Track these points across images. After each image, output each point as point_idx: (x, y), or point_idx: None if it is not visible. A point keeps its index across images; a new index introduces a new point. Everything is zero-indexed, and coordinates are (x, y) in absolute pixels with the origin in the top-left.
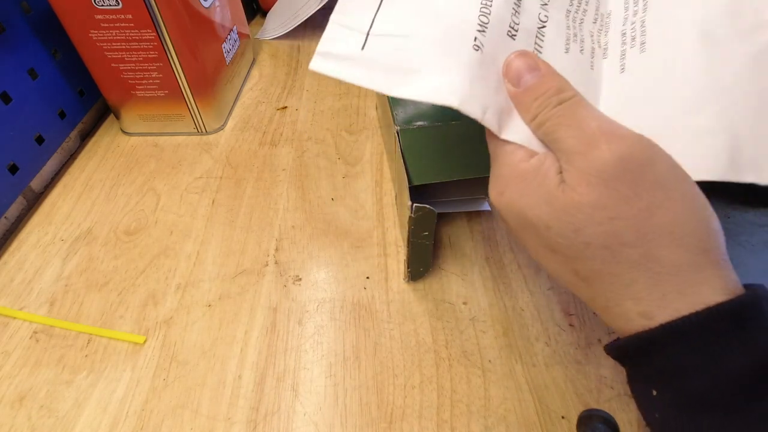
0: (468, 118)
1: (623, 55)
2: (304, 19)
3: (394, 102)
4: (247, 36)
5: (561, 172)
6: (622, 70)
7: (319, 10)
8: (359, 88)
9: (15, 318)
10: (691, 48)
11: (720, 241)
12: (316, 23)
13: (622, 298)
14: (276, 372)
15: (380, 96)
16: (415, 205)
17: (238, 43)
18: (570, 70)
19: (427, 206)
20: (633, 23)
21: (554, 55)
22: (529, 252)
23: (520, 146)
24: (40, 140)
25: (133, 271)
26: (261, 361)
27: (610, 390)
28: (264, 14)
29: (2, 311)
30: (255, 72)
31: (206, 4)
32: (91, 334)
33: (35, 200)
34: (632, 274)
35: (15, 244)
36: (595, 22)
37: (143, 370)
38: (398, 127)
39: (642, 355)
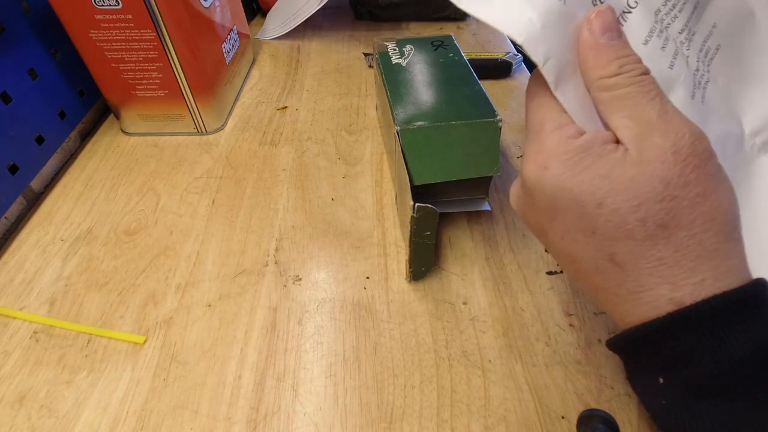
0: (467, 118)
1: (698, 84)
2: (304, 19)
3: (394, 102)
4: (247, 36)
5: (619, 148)
6: (692, 96)
7: (319, 10)
8: (359, 87)
9: (15, 318)
10: None
11: (741, 232)
12: (316, 23)
13: (659, 283)
14: (276, 372)
15: (380, 96)
16: (417, 204)
17: (238, 43)
18: (645, 60)
19: (429, 206)
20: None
21: (632, 41)
22: (549, 239)
23: (569, 123)
24: (40, 140)
25: (133, 271)
26: (261, 361)
27: (610, 390)
28: (264, 14)
29: (2, 311)
30: (255, 72)
31: (206, 4)
32: (91, 334)
33: (35, 200)
34: (677, 256)
35: (15, 244)
36: (681, 32)
37: (143, 370)
38: (398, 127)
39: (653, 342)
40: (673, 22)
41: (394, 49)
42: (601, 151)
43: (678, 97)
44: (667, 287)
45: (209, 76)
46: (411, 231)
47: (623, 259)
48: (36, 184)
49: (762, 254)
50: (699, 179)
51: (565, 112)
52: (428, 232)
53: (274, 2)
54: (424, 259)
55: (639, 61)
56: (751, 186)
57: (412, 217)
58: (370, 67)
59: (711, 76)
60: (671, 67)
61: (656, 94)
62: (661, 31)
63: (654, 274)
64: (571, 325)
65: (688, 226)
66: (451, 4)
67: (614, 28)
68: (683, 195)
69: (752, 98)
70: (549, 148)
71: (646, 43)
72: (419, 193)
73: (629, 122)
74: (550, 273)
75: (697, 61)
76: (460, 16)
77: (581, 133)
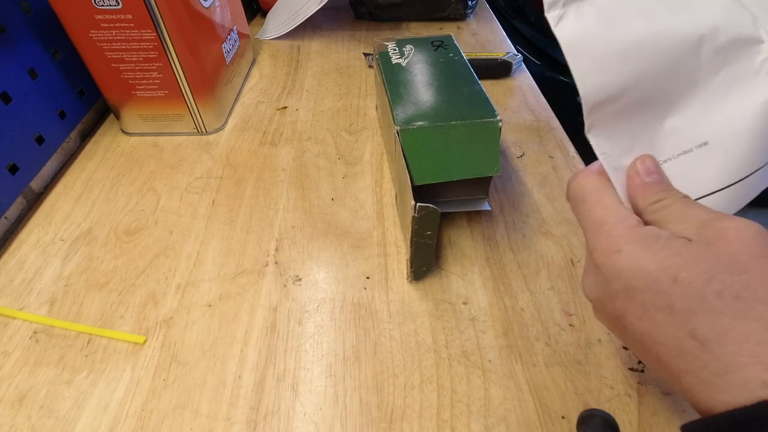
0: (467, 118)
1: None
2: (304, 19)
3: (394, 102)
4: (247, 36)
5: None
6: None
7: (319, 10)
8: (359, 87)
9: (15, 318)
10: None
11: None
12: (316, 23)
13: (748, 363)
14: (276, 372)
15: (380, 96)
16: (418, 204)
17: (238, 43)
18: None
19: (431, 206)
20: None
21: None
22: (627, 324)
23: (632, 215)
24: (40, 140)
25: (133, 271)
26: (261, 361)
27: (610, 390)
28: (264, 14)
29: (2, 311)
30: (255, 72)
31: (206, 4)
32: (91, 334)
33: (35, 200)
34: (765, 334)
35: (15, 244)
36: None
37: (143, 370)
38: (398, 127)
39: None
40: None
41: (394, 49)
42: (670, 236)
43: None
44: (759, 368)
45: (209, 76)
46: (412, 231)
47: (705, 335)
48: (36, 184)
49: (720, 172)
50: None
51: (624, 206)
52: (429, 232)
53: (274, 2)
54: (425, 259)
55: (676, 190)
56: (736, 100)
57: (413, 217)
58: (370, 67)
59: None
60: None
61: (699, 204)
62: None
63: (741, 353)
64: (571, 325)
65: (766, 299)
66: (451, 4)
67: (656, 171)
68: (757, 269)
69: None
70: (619, 234)
71: None
72: (419, 193)
73: (686, 224)
74: (632, 369)
75: None
76: (460, 16)
77: (642, 223)
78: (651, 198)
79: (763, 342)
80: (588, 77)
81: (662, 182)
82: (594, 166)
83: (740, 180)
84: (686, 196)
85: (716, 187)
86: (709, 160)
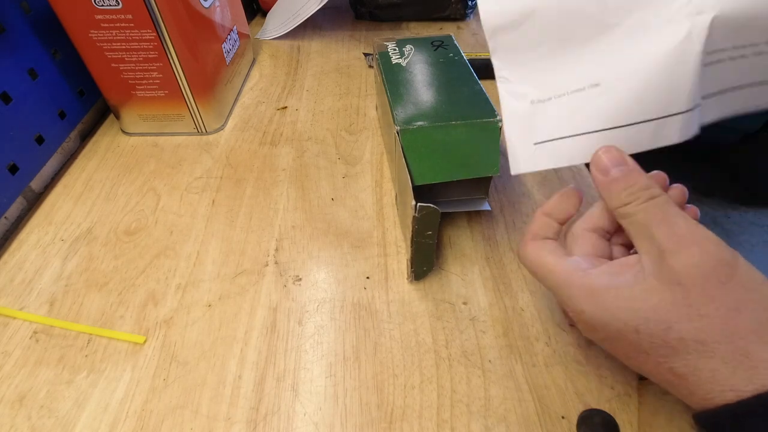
0: (467, 118)
1: None
2: (304, 19)
3: (394, 102)
4: (247, 36)
5: (640, 272)
6: None
7: (319, 10)
8: (359, 87)
9: (15, 318)
10: None
11: None
12: (316, 23)
13: (722, 391)
14: (276, 372)
15: (380, 96)
16: (419, 204)
17: (238, 43)
18: None
19: (431, 205)
20: None
21: None
22: (620, 359)
23: (573, 263)
24: (40, 140)
25: (133, 271)
26: (261, 361)
27: (610, 390)
28: (264, 14)
29: (2, 311)
30: (255, 72)
31: (206, 4)
32: (91, 334)
33: (35, 200)
34: (728, 368)
35: (15, 244)
36: None
37: (143, 370)
38: (398, 127)
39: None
40: None
41: (394, 49)
42: (617, 287)
43: None
44: (732, 394)
45: (209, 76)
46: (413, 231)
47: (683, 372)
48: (36, 184)
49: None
50: (727, 294)
51: (565, 255)
52: (430, 232)
53: (274, 2)
54: (426, 259)
55: (645, 186)
56: (639, 47)
57: (413, 217)
58: (370, 67)
59: None
60: None
61: (665, 218)
62: None
63: (714, 384)
64: (571, 325)
65: (724, 340)
66: (451, 4)
67: (618, 162)
68: (712, 313)
69: None
70: (575, 294)
71: None
72: (419, 193)
73: (647, 247)
74: (642, 379)
75: None
76: (460, 16)
77: (593, 264)
78: (616, 201)
79: (732, 374)
80: (488, 1)
81: (627, 178)
82: (527, 235)
83: (621, 126)
84: (651, 198)
85: (593, 128)
86: (596, 101)
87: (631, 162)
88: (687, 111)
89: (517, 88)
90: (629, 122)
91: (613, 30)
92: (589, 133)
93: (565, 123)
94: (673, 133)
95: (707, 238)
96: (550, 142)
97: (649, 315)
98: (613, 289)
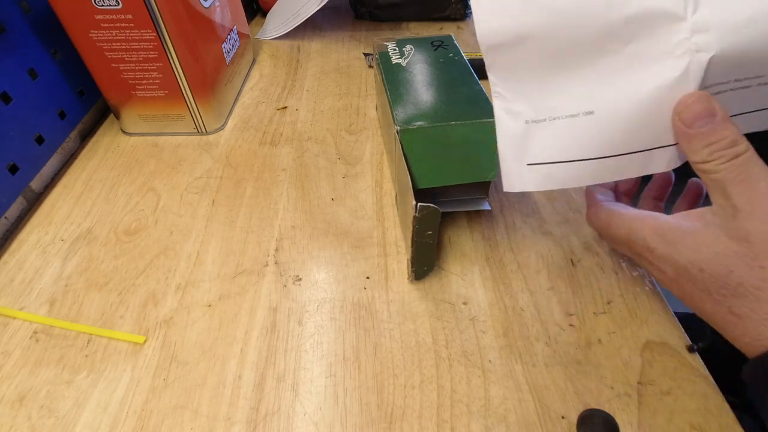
0: (467, 118)
1: None
2: (304, 19)
3: (394, 102)
4: (247, 36)
5: (710, 222)
6: None
7: (319, 10)
8: (359, 87)
9: (15, 318)
10: None
11: None
12: (316, 23)
13: None
14: (276, 372)
15: (380, 96)
16: (419, 204)
17: (238, 43)
18: None
19: (432, 205)
20: None
21: None
22: (684, 299)
23: (650, 213)
24: (40, 140)
25: (133, 271)
26: (261, 361)
27: (610, 390)
28: (264, 14)
29: (2, 311)
30: (255, 72)
31: (206, 4)
32: (91, 334)
33: (35, 200)
34: None
35: (15, 244)
36: None
37: (143, 370)
38: (398, 127)
39: None
40: None
41: (394, 49)
42: (686, 230)
43: None
44: None
45: (209, 76)
46: (413, 231)
47: (741, 312)
48: (36, 184)
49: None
50: None
51: (637, 213)
52: (430, 232)
53: (274, 2)
54: (426, 259)
55: (730, 144)
56: (636, 78)
57: (414, 216)
58: (370, 67)
59: None
60: None
61: (745, 178)
62: None
63: (766, 326)
64: (571, 325)
65: None
66: (451, 4)
67: (705, 115)
68: None
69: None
70: (647, 234)
71: None
72: (419, 192)
73: (722, 203)
74: (690, 349)
75: None
76: (460, 16)
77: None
78: (696, 156)
79: None
80: (485, 20)
81: (709, 133)
82: (591, 200)
83: (612, 156)
84: (734, 157)
85: (585, 156)
86: (589, 129)
87: (720, 111)
88: (677, 143)
89: (512, 105)
90: (620, 152)
91: (610, 58)
92: (580, 161)
93: (557, 148)
94: (661, 164)
95: None
96: (543, 166)
97: (713, 258)
98: (682, 230)
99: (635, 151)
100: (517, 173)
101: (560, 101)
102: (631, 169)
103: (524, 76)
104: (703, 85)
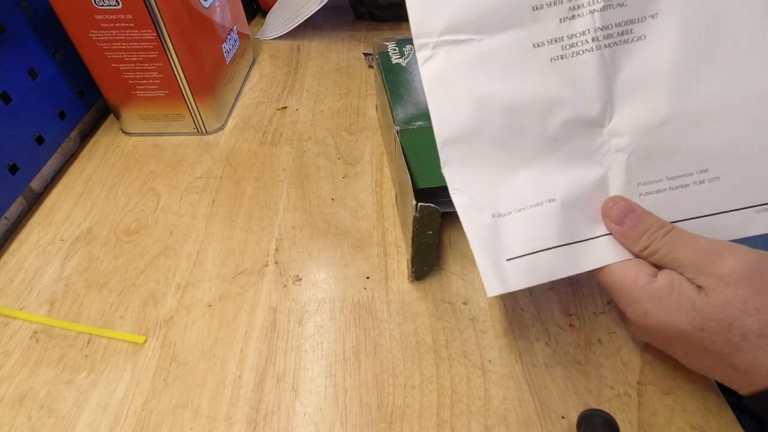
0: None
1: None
2: (304, 19)
3: (394, 102)
4: (247, 36)
5: (691, 282)
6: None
7: (319, 10)
8: (359, 87)
9: (15, 318)
10: None
11: None
12: (316, 23)
13: None
14: (276, 372)
15: (380, 96)
16: (419, 204)
17: (238, 43)
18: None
19: (432, 205)
20: None
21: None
22: (679, 359)
23: (641, 268)
24: (40, 140)
25: (133, 271)
26: (261, 361)
27: (610, 390)
28: (264, 14)
29: (2, 311)
30: (255, 72)
31: (206, 4)
32: (91, 334)
33: (35, 200)
34: None
35: (15, 244)
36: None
37: (143, 370)
38: (398, 127)
39: None
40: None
41: (394, 49)
42: (681, 286)
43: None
44: None
45: (209, 76)
46: (413, 231)
47: (745, 367)
48: (36, 184)
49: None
50: None
51: (629, 260)
52: (431, 232)
53: (274, 2)
54: (427, 259)
55: (660, 225)
56: (576, 172)
57: (414, 216)
58: (370, 67)
59: (614, 52)
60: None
61: (686, 242)
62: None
63: None
64: (571, 325)
65: None
66: None
67: (627, 210)
68: (765, 303)
69: (633, 101)
70: (637, 297)
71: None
72: (419, 192)
73: (681, 269)
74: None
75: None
76: None
77: (654, 274)
78: (638, 246)
79: None
80: (442, 115)
81: (640, 224)
82: None
83: (586, 240)
84: (668, 232)
85: (560, 242)
86: (557, 215)
87: (638, 207)
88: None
89: (473, 200)
90: (582, 238)
91: (554, 154)
92: (563, 246)
93: (533, 236)
94: (606, 254)
95: (730, 245)
96: (524, 258)
97: (712, 314)
98: (675, 292)
99: (592, 237)
100: (498, 273)
101: (520, 192)
102: (609, 253)
103: (480, 170)
104: (634, 181)
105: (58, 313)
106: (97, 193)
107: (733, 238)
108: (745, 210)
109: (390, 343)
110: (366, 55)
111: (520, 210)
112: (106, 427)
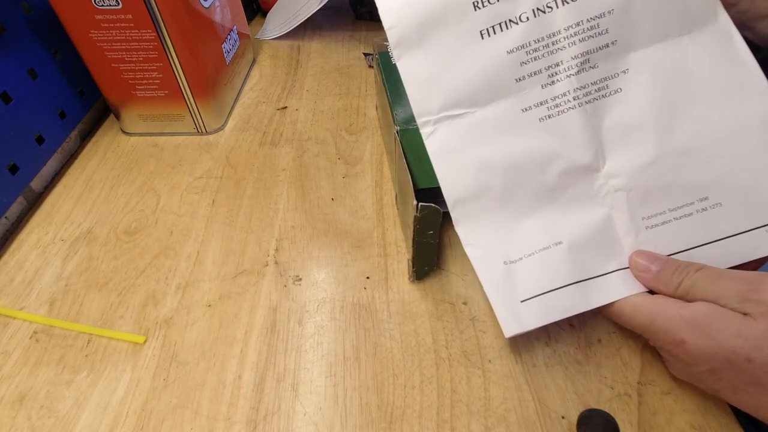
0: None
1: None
2: (304, 19)
3: (394, 102)
4: (247, 36)
5: (734, 311)
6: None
7: (319, 10)
8: (359, 87)
9: (15, 318)
10: None
11: None
12: (316, 23)
13: None
14: (276, 372)
15: (380, 96)
16: (420, 204)
17: (238, 43)
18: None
19: (433, 205)
20: None
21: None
22: (724, 394)
23: (667, 299)
24: (40, 140)
25: (133, 271)
26: (261, 361)
27: (610, 390)
28: (264, 14)
29: (2, 311)
30: (255, 72)
31: (206, 4)
32: (91, 334)
33: (35, 200)
34: None
35: (15, 244)
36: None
37: (143, 370)
38: (398, 127)
39: None
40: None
41: None
42: (724, 316)
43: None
44: None
45: (209, 76)
46: (414, 231)
47: None
48: (36, 184)
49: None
50: None
51: (655, 295)
52: (431, 232)
53: (274, 2)
54: (427, 259)
55: (688, 263)
56: (580, 216)
57: (415, 216)
58: (370, 67)
59: (596, 106)
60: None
61: (723, 274)
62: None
63: None
64: (571, 325)
65: None
66: None
67: (655, 258)
68: None
69: (622, 145)
70: (671, 326)
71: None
72: (419, 192)
73: (727, 300)
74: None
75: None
76: None
77: (684, 304)
78: (671, 286)
79: None
80: (449, 181)
81: (668, 265)
82: None
83: (596, 277)
84: (698, 269)
85: (570, 281)
86: (565, 256)
87: (661, 255)
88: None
89: (486, 252)
90: (594, 275)
91: (556, 202)
92: (574, 284)
93: (545, 277)
94: (620, 287)
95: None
96: (537, 298)
97: (759, 341)
98: (717, 319)
99: (600, 274)
100: (513, 315)
101: (528, 239)
102: (623, 286)
103: (489, 224)
104: (638, 216)
105: (58, 313)
106: (97, 193)
107: (751, 259)
108: (755, 231)
109: (390, 343)
110: (366, 55)
111: (529, 255)
112: (106, 427)
